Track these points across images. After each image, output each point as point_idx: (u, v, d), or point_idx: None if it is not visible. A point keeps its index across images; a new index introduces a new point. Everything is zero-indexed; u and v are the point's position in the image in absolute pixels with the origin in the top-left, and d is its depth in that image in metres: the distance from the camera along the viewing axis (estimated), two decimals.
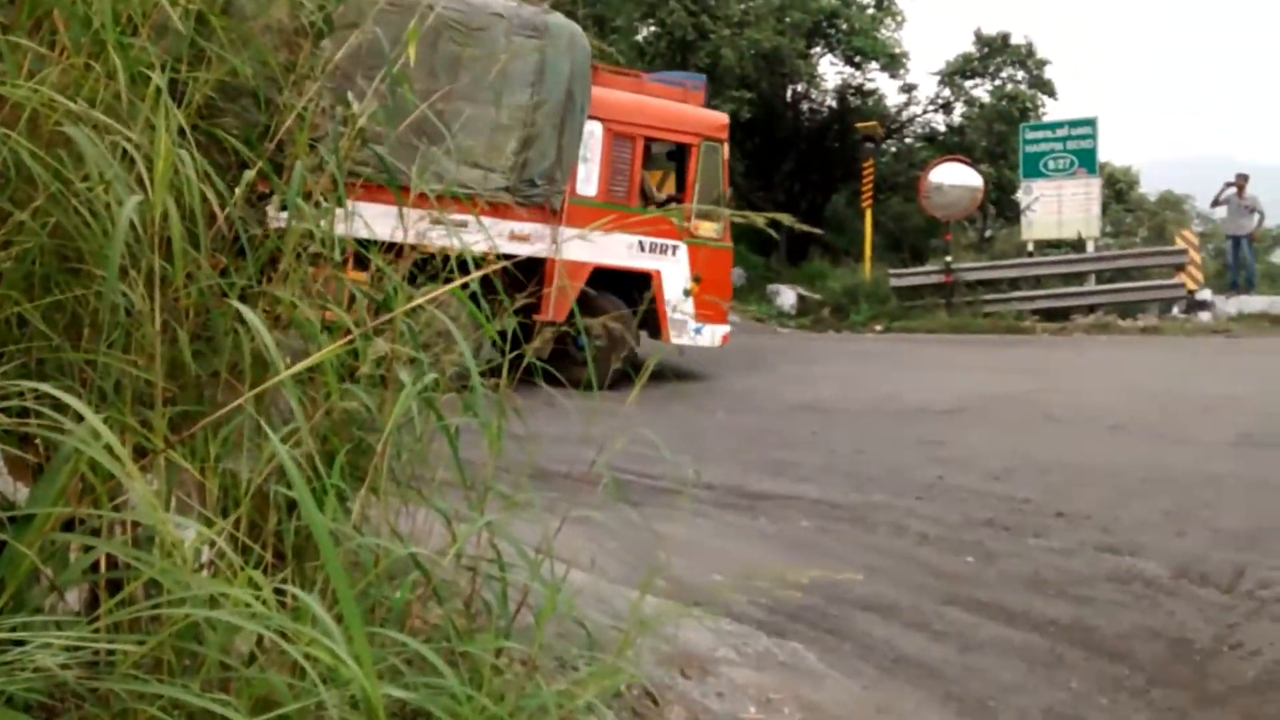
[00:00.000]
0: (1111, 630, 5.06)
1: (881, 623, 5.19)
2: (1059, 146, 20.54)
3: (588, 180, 11.94)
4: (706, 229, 12.73)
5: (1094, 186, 20.50)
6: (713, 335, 12.76)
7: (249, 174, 2.15)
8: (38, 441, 1.69)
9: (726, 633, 4.73)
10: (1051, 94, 28.62)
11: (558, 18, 11.59)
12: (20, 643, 1.28)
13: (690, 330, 12.53)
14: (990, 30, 29.22)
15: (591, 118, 11.71)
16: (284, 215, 2.59)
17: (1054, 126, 21.67)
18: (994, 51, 28.64)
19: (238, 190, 2.09)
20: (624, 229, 11.72)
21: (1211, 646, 4.87)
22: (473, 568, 2.40)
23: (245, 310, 1.65)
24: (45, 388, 1.34)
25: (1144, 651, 4.85)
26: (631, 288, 12.16)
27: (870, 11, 28.77)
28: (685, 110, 12.86)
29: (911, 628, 5.14)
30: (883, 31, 28.61)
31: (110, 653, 1.40)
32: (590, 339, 11.79)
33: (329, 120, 2.83)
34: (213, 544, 1.56)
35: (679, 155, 13.08)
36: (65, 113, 1.61)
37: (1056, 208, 20.31)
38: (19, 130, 1.48)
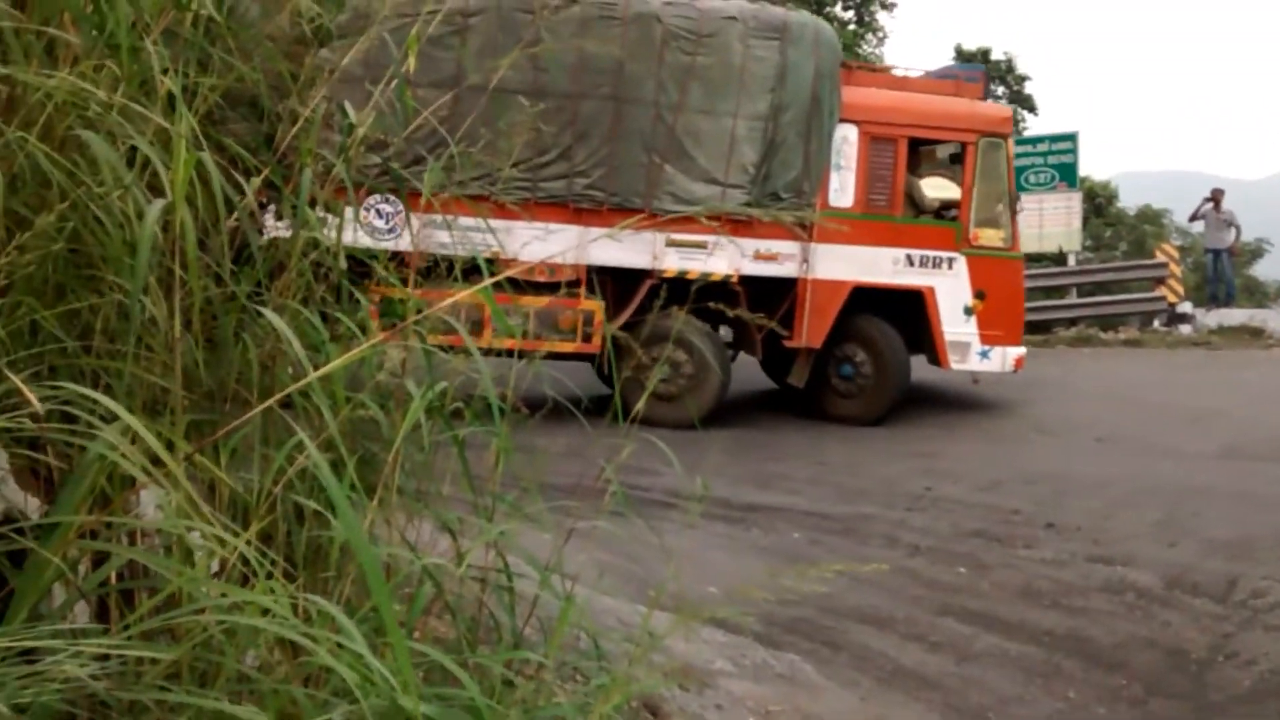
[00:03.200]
0: (1107, 640, 5.07)
1: (877, 634, 5.19)
2: (1040, 161, 20.62)
3: (842, 190, 10.75)
4: (990, 237, 11.13)
5: (1075, 200, 20.60)
6: (1003, 359, 11.02)
7: (255, 180, 2.12)
8: (48, 450, 1.67)
9: (722, 644, 4.71)
10: (1032, 109, 28.86)
11: (801, 15, 10.88)
12: (31, 651, 1.25)
13: (975, 354, 10.93)
14: (971, 46, 29.42)
15: (844, 121, 10.66)
16: (280, 225, 2.58)
17: (1035, 141, 21.76)
18: None
19: (246, 196, 2.06)
20: (888, 242, 10.77)
21: (1207, 656, 4.88)
22: (482, 579, 2.38)
23: (272, 316, 1.63)
24: (88, 391, 1.31)
25: (1140, 661, 4.86)
26: (900, 308, 10.97)
27: (852, 27, 28.96)
28: (956, 105, 11.29)
29: (908, 639, 5.14)
30: (864, 47, 28.80)
31: (123, 661, 1.37)
32: (855, 366, 10.93)
33: (331, 130, 2.82)
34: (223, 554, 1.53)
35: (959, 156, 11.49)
36: (78, 116, 1.59)
37: (1038, 221, 20.36)
38: (34, 134, 1.46)
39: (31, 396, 1.21)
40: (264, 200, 2.64)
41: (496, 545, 2.37)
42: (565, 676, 2.93)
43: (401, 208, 9.93)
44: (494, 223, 10.74)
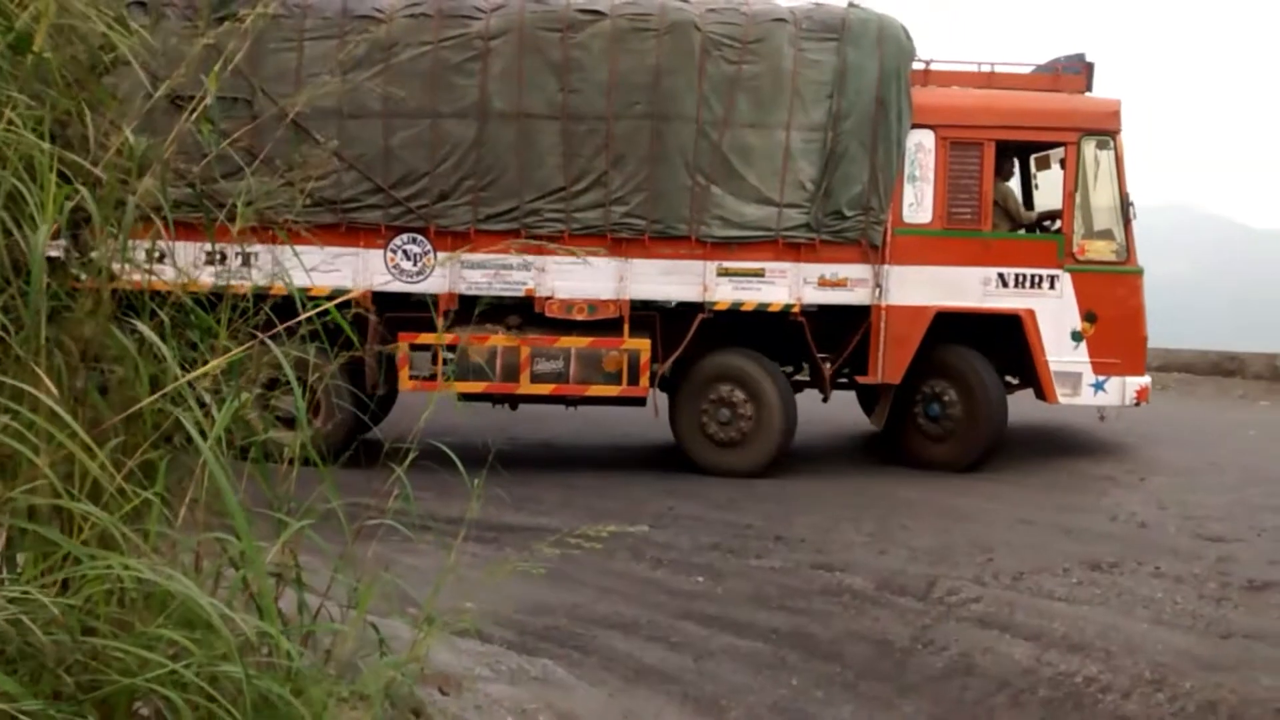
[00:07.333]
0: (825, 636, 5.67)
1: (623, 638, 5.60)
2: None
3: (919, 204, 9.63)
4: (1100, 250, 9.83)
5: None
6: (1123, 391, 9.78)
7: (68, 205, 2.29)
8: None
9: (480, 654, 5.00)
10: None
11: (861, 12, 9.64)
12: None
13: (1087, 386, 9.73)
14: None
15: (918, 126, 9.58)
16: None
17: None
18: None
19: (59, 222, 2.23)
20: (976, 261, 9.63)
21: (909, 645, 5.55)
22: (278, 574, 2.60)
23: (147, 331, 1.83)
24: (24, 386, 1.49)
25: (853, 652, 5.47)
26: (995, 336, 9.90)
27: None
28: (1052, 101, 10.02)
29: (651, 641, 5.57)
30: None
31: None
32: (943, 405, 9.86)
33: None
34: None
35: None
36: None
37: None
38: None
39: None
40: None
41: (289, 545, 2.61)
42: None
43: (430, 248, 9.30)
44: (527, 258, 10.38)
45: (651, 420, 11.42)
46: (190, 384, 2.47)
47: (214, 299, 2.67)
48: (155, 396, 1.89)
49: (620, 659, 5.31)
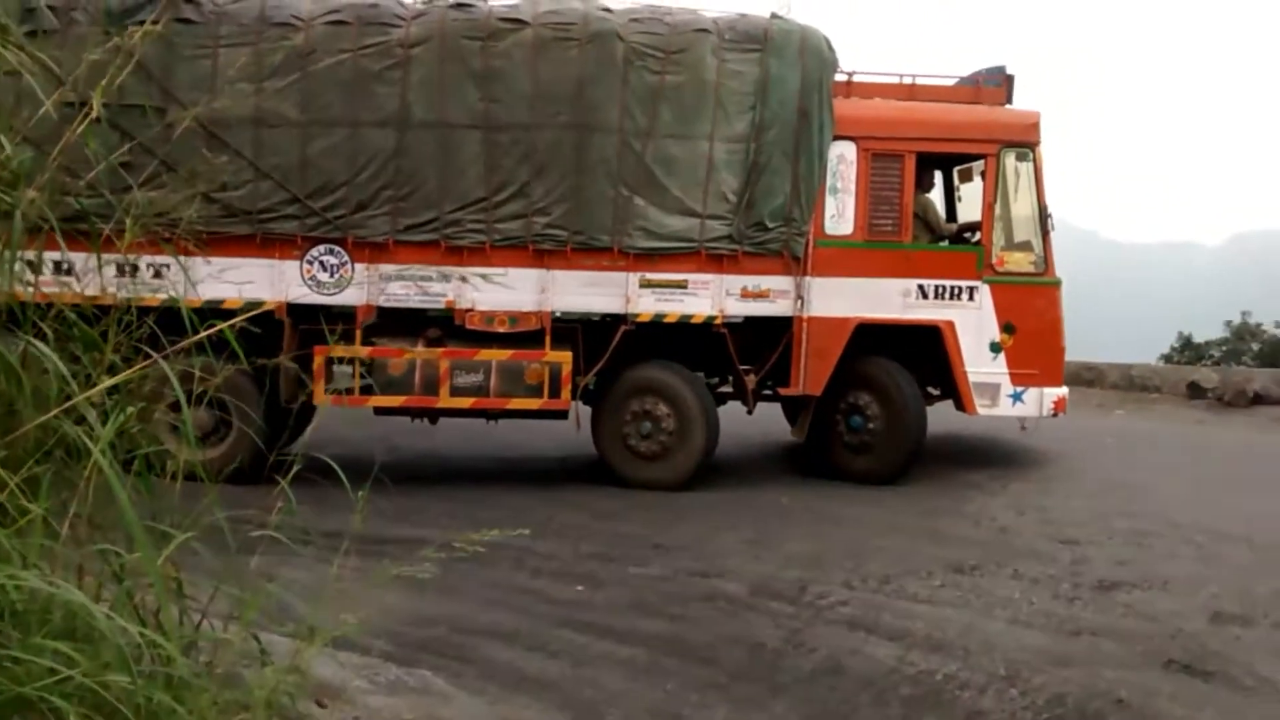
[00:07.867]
0: (701, 640, 5.84)
1: (503, 647, 5.69)
2: None
3: (840, 216, 9.69)
4: (1018, 262, 9.93)
5: None
6: (1040, 401, 9.92)
7: None
8: None
9: (358, 666, 5.03)
10: None
11: (785, 23, 9.60)
12: None
13: (1006, 397, 9.86)
14: None
15: (840, 138, 9.64)
16: None
17: None
18: None
19: None
20: (896, 272, 9.73)
21: (780, 647, 5.75)
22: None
23: (38, 345, 1.88)
24: None
25: (727, 656, 5.65)
26: (915, 348, 10.01)
27: None
28: (973, 113, 10.10)
29: (531, 650, 5.67)
30: None
31: None
32: (864, 417, 9.90)
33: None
34: None
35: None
36: None
37: None
38: None
39: None
40: None
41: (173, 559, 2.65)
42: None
43: (348, 259, 9.02)
44: (448, 269, 10.17)
45: (535, 431, 11.53)
46: (71, 397, 2.51)
47: (100, 312, 2.69)
48: (53, 412, 1.94)
49: (500, 668, 5.40)
